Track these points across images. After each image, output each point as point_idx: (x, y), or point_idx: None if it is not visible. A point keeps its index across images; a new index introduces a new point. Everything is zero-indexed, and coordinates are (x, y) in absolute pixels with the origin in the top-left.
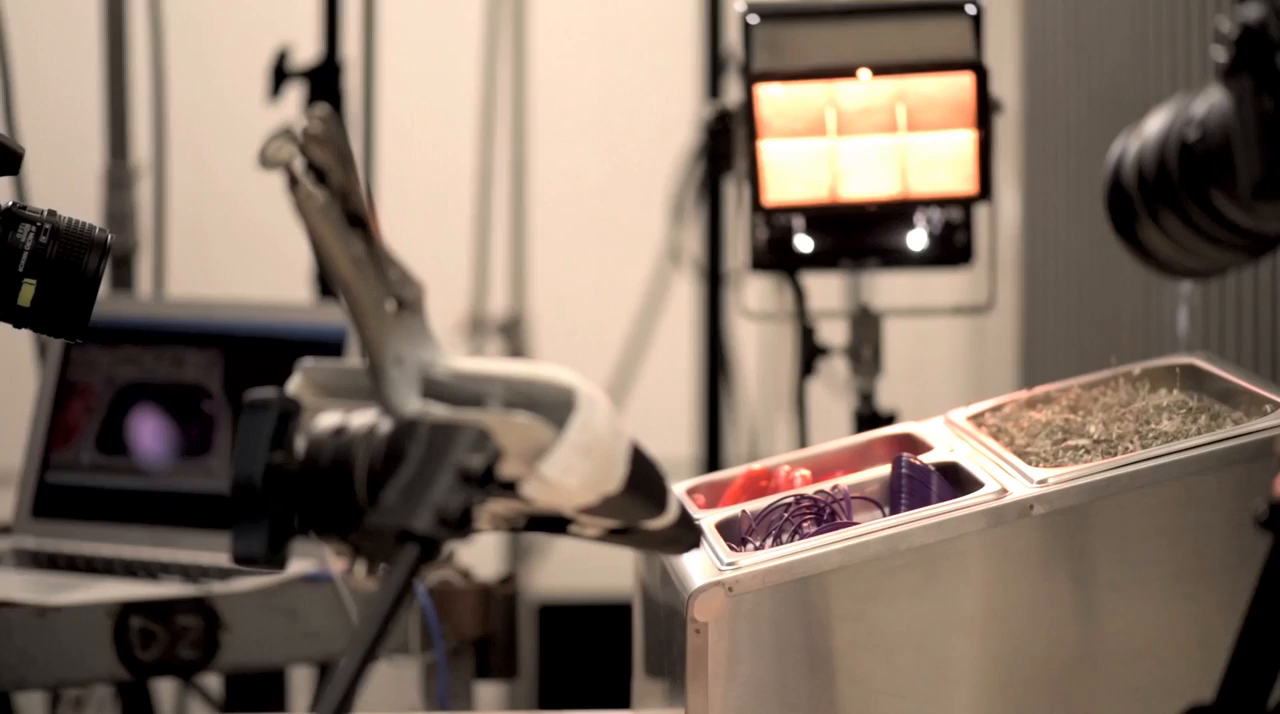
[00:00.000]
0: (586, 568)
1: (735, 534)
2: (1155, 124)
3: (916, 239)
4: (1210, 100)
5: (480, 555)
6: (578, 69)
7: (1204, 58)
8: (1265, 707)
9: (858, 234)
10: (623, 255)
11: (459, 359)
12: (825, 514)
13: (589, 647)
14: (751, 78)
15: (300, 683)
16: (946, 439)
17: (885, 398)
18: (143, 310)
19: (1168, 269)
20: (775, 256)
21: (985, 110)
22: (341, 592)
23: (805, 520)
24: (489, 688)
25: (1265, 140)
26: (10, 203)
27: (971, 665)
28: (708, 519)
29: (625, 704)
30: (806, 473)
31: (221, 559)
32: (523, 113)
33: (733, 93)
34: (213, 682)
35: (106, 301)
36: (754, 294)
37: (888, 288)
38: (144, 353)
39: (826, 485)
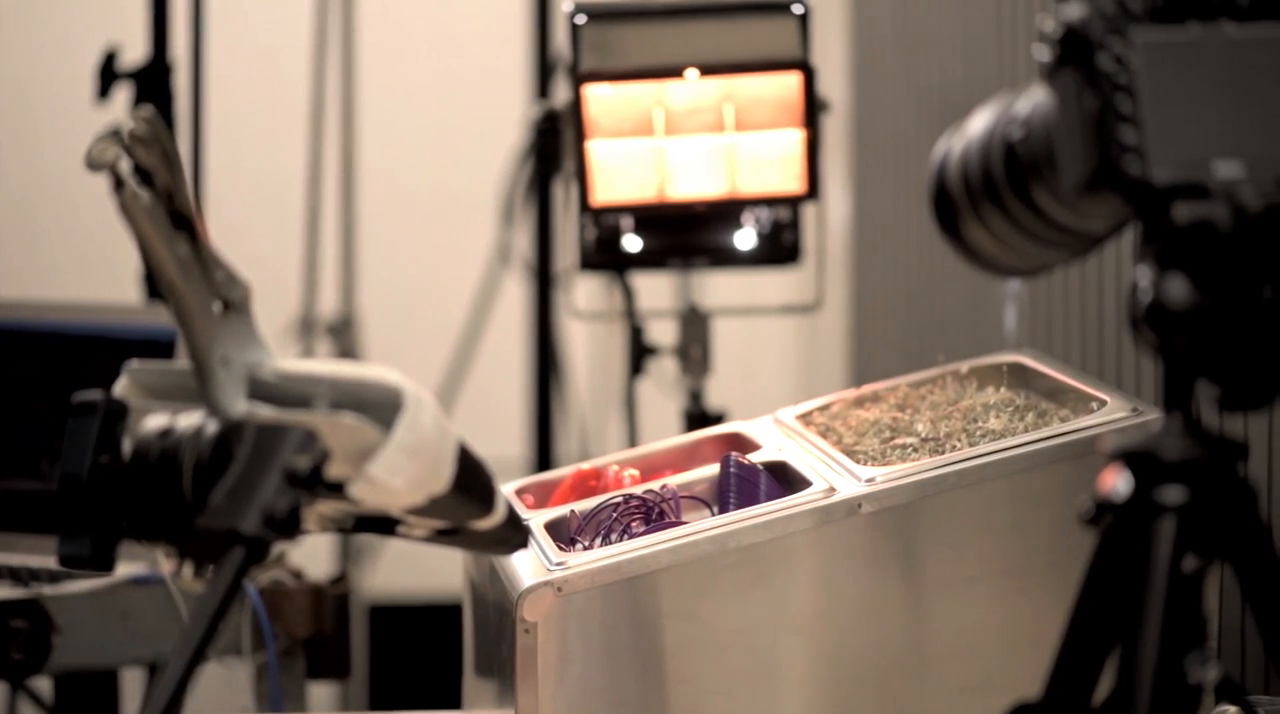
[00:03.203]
0: (417, 568)
1: (564, 534)
2: (979, 123)
3: (745, 238)
4: (1034, 99)
5: (311, 556)
6: (407, 69)
7: (1029, 58)
8: (1090, 704)
9: (686, 234)
10: (452, 256)
11: (286, 360)
12: (654, 514)
13: (420, 647)
14: (579, 78)
15: (132, 685)
16: (775, 438)
17: (715, 397)
18: None
19: (993, 267)
20: (604, 256)
21: (813, 110)
22: (173, 593)
23: (634, 520)
24: (321, 688)
25: (1088, 138)
26: None
27: (801, 664)
28: (536, 519)
29: (456, 704)
30: (635, 472)
31: (52, 561)
32: (352, 113)
33: (561, 93)
34: (44, 684)
35: None
36: (584, 294)
37: (717, 287)
38: None
39: (655, 485)
